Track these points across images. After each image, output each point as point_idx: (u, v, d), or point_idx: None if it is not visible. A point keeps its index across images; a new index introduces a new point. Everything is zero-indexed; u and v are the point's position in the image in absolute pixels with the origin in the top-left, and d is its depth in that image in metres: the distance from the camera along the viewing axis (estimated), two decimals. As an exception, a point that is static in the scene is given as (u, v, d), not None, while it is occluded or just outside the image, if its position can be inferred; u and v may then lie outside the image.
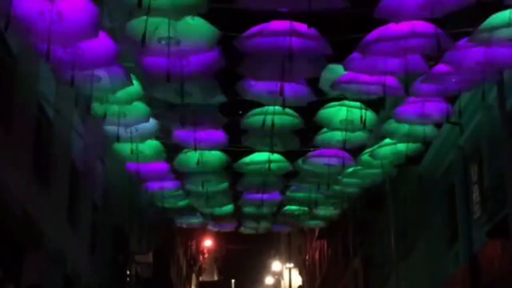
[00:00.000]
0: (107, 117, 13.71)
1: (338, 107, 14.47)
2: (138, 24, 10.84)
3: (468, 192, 18.26)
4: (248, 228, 23.51)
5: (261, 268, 74.39)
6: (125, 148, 16.16)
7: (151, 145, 16.26)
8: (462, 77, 12.64)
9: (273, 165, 16.80)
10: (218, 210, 21.22)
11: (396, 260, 24.79)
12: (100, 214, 21.53)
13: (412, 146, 16.14)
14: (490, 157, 16.59)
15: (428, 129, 15.39)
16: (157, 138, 16.11)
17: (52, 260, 15.67)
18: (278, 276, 69.41)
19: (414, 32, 11.27)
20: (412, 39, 11.35)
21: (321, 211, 21.75)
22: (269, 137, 15.11)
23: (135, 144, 15.78)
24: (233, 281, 63.79)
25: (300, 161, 17.15)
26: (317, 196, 19.64)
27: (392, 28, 11.25)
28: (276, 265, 69.03)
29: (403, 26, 11.21)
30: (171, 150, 16.89)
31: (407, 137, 15.48)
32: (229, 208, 21.26)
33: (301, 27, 11.12)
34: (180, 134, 15.45)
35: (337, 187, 19.06)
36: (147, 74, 12.46)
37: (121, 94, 12.96)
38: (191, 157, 16.54)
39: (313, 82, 13.42)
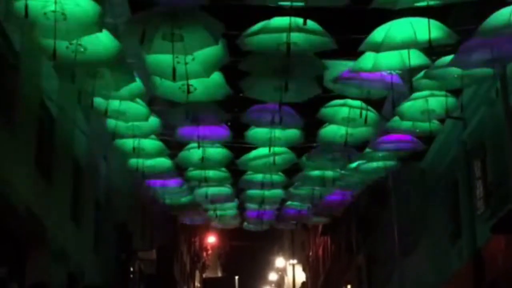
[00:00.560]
0: (108, 114, 13.75)
1: (341, 106, 14.52)
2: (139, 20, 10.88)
3: (472, 187, 18.24)
4: (251, 225, 23.53)
5: (265, 265, 74.52)
6: (126, 144, 16.20)
7: (152, 143, 16.29)
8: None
9: (278, 158, 16.79)
10: (221, 208, 21.25)
11: (399, 256, 24.80)
12: (104, 211, 21.53)
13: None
14: (493, 152, 16.57)
15: (431, 125, 15.37)
16: (159, 135, 16.14)
17: (55, 258, 15.67)
18: (282, 272, 69.50)
19: None
20: None
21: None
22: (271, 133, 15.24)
23: (137, 140, 15.83)
24: (236, 277, 63.73)
25: (304, 158, 17.19)
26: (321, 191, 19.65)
27: None
28: (279, 262, 69.10)
29: None
30: (173, 147, 16.92)
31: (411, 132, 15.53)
32: (233, 207, 21.32)
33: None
34: (183, 130, 15.45)
35: (340, 183, 19.10)
36: (151, 71, 12.48)
37: (124, 90, 12.97)
38: (194, 153, 16.56)
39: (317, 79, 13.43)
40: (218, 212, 21.68)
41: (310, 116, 14.84)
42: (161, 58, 11.75)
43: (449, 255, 19.85)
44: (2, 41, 12.83)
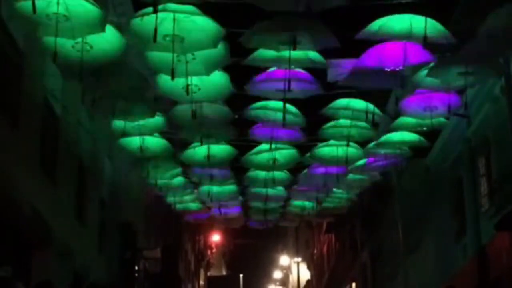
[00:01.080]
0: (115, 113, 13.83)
1: (343, 109, 14.59)
2: (143, 21, 10.90)
3: (476, 184, 18.22)
4: (255, 223, 23.55)
5: (269, 263, 74.48)
6: (131, 143, 16.22)
7: (157, 141, 16.31)
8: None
9: (280, 155, 16.84)
10: (225, 206, 21.29)
11: (404, 253, 24.79)
12: (108, 210, 21.56)
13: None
14: (497, 149, 16.55)
15: (435, 121, 15.39)
16: (163, 134, 16.17)
17: (60, 257, 15.70)
18: (286, 270, 69.46)
19: None
20: None
21: (329, 204, 21.78)
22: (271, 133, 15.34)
23: (142, 138, 15.86)
24: (241, 275, 63.76)
25: (308, 155, 17.23)
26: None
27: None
28: (284, 260, 69.05)
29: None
30: (178, 145, 16.95)
31: (415, 129, 15.58)
32: (237, 205, 21.37)
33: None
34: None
35: (345, 181, 19.13)
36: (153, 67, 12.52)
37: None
38: (199, 151, 16.57)
39: (320, 76, 13.44)
40: (222, 210, 21.73)
41: (313, 115, 14.87)
42: (162, 56, 11.78)
43: (453, 252, 19.83)
44: (6, 41, 12.85)
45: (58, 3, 10.37)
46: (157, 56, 11.85)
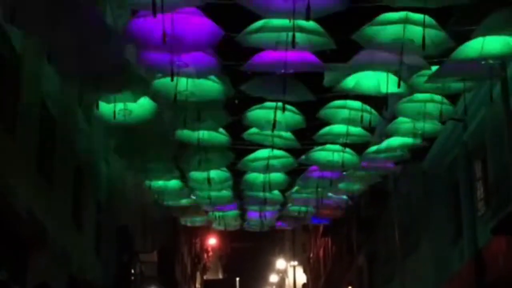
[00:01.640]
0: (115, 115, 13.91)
1: (341, 108, 14.58)
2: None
3: (473, 188, 18.23)
4: (252, 226, 23.51)
5: (266, 266, 74.51)
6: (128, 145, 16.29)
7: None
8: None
9: (276, 162, 16.86)
10: (222, 210, 21.26)
11: (400, 257, 24.79)
12: (105, 213, 21.54)
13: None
14: (494, 153, 16.57)
15: (431, 126, 15.44)
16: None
17: (56, 260, 15.68)
18: (283, 274, 69.49)
19: None
20: None
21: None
22: (271, 134, 15.26)
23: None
24: (237, 279, 63.80)
25: (303, 157, 17.23)
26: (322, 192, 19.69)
27: None
28: (280, 263, 69.07)
29: None
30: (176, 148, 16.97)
31: (410, 134, 15.61)
32: (234, 208, 21.34)
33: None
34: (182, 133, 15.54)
35: (342, 184, 19.13)
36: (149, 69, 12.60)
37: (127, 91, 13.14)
38: (195, 155, 16.59)
39: (316, 80, 13.45)
40: (219, 214, 21.70)
41: (310, 118, 14.85)
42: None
43: (450, 256, 19.84)
44: (3, 44, 12.84)
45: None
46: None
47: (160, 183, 18.92)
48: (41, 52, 12.77)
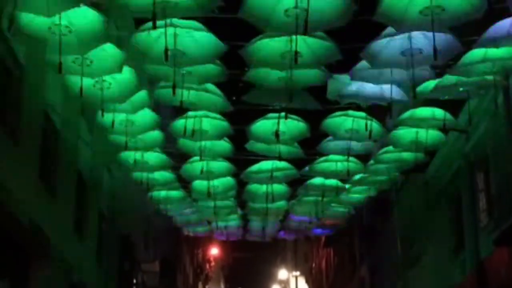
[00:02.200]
0: (115, 126, 13.88)
1: (344, 117, 14.58)
2: (143, 36, 11.02)
3: (475, 199, 18.22)
4: (254, 236, 23.53)
5: (268, 276, 74.30)
6: (130, 156, 16.29)
7: (156, 156, 16.38)
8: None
9: (279, 173, 16.89)
10: (225, 219, 21.26)
11: (402, 268, 24.75)
12: (107, 223, 21.55)
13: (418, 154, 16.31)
14: (496, 165, 16.56)
15: (434, 137, 15.48)
16: (162, 148, 16.23)
17: (58, 269, 15.68)
18: (285, 284, 69.29)
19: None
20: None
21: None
22: (276, 144, 15.27)
23: (140, 153, 15.96)
24: (239, 290, 63.69)
25: (307, 168, 17.26)
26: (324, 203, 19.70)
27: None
28: (282, 273, 68.90)
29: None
30: (177, 160, 17.01)
31: (412, 145, 15.62)
32: (236, 218, 21.36)
33: None
34: (185, 143, 15.55)
35: (343, 195, 19.17)
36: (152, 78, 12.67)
37: (128, 102, 13.11)
38: (196, 166, 16.62)
39: (319, 92, 13.48)
40: (221, 223, 21.71)
41: (312, 129, 14.86)
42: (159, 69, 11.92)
43: (452, 267, 19.80)
44: (6, 54, 12.88)
45: (60, 17, 10.42)
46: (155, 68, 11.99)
47: (163, 193, 18.97)
48: (44, 62, 12.79)
